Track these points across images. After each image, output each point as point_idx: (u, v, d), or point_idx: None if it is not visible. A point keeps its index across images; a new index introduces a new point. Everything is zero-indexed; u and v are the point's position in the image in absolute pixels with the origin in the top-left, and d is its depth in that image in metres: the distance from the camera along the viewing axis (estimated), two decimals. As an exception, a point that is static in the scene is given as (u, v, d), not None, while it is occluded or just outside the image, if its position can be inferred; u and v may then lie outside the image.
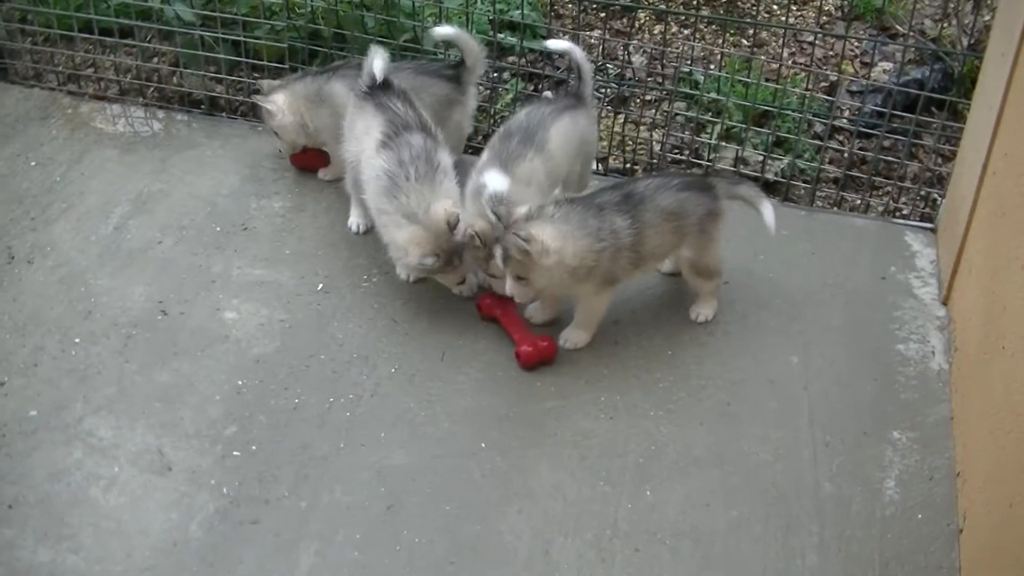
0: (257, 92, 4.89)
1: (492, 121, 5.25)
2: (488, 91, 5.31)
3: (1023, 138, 3.72)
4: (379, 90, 4.40)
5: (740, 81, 5.20)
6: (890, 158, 5.05)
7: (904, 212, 4.92)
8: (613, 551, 3.60)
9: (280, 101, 4.80)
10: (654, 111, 5.36)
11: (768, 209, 4.27)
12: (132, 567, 3.57)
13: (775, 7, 6.02)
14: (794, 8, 6.01)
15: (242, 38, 5.28)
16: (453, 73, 4.78)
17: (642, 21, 5.95)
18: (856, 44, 5.79)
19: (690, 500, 3.75)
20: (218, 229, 4.73)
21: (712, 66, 5.34)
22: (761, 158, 5.01)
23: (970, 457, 3.73)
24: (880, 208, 4.96)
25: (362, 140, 4.36)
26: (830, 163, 5.12)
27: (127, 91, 5.52)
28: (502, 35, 5.42)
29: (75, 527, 3.68)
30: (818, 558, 3.59)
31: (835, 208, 4.95)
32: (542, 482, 3.80)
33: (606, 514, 3.71)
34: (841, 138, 5.31)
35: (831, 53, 5.72)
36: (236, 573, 3.56)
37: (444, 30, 4.65)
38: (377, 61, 4.39)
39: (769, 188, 4.91)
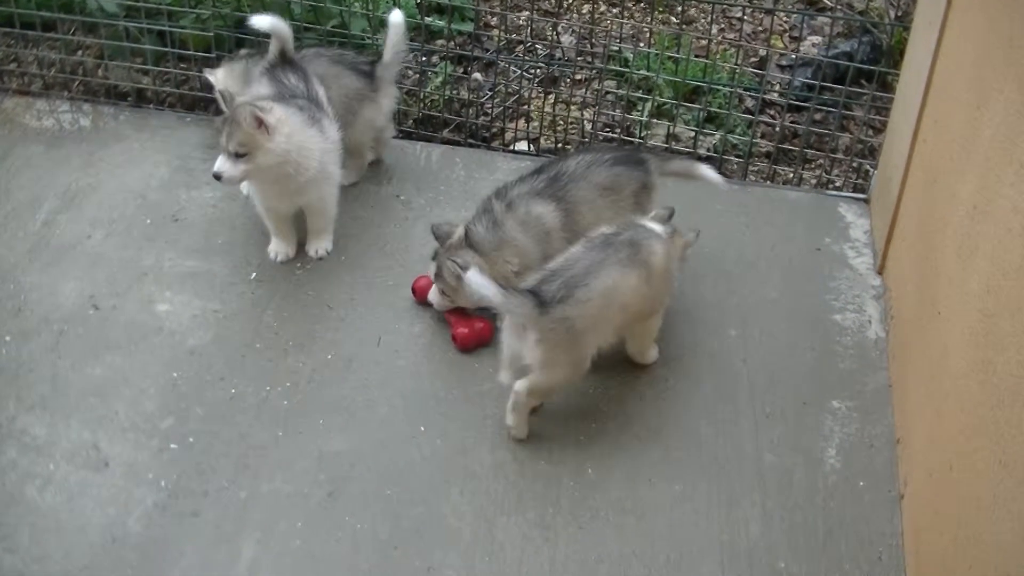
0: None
1: (421, 105, 5.23)
2: (417, 75, 5.29)
3: (952, 104, 3.75)
4: (280, 66, 4.44)
5: (670, 58, 5.20)
6: (821, 130, 5.07)
7: (837, 184, 4.94)
8: (557, 529, 3.60)
9: None
10: (584, 90, 5.35)
11: (705, 169, 4.33)
12: (71, 565, 3.52)
13: (703, -17, 6.03)
14: (722, -16, 6.02)
15: (167, 28, 5.21)
16: (368, 68, 4.71)
17: (570, 1, 5.94)
18: (785, 18, 5.80)
19: (632, 476, 3.75)
20: (148, 221, 4.67)
21: (641, 44, 5.33)
22: (693, 134, 5.02)
23: (909, 423, 3.75)
24: (813, 180, 4.99)
25: None
26: (762, 137, 5.14)
27: (52, 85, 5.43)
28: (430, 18, 5.38)
29: (11, 527, 3.61)
30: (762, 529, 3.60)
31: (768, 182, 4.97)
32: (483, 463, 3.79)
33: (548, 493, 3.70)
34: (772, 112, 5.33)
35: (760, 28, 5.74)
36: (177, 567, 3.52)
37: (397, 17, 4.64)
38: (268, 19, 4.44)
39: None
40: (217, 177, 4.12)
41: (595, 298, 3.66)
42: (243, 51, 4.89)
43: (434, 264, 4.12)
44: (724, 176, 4.72)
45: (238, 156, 4.07)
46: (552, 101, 5.26)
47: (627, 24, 5.51)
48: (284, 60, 4.47)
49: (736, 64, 5.08)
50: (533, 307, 3.60)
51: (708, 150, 5.03)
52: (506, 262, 4.06)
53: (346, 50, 4.94)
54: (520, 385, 3.77)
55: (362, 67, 4.71)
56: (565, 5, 5.90)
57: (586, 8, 5.81)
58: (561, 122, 5.22)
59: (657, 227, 3.93)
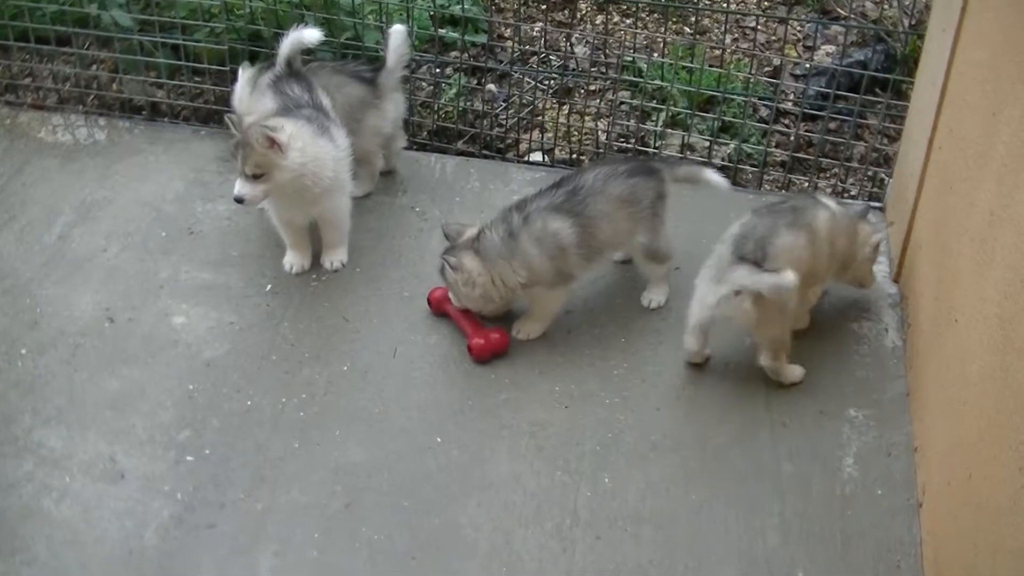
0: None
1: (436, 117, 5.23)
2: (431, 86, 5.30)
3: (967, 111, 3.74)
4: (284, 78, 4.51)
5: (684, 67, 5.20)
6: (836, 139, 5.05)
7: (852, 193, 4.94)
8: (574, 540, 3.58)
9: None
10: (599, 101, 5.35)
11: (710, 173, 4.36)
12: (88, 577, 3.53)
13: (716, -7, 6.04)
14: (735, -6, 6.03)
15: (181, 41, 5.23)
16: (370, 75, 4.72)
17: (583, 12, 5.95)
18: (799, 28, 5.80)
19: (650, 485, 3.74)
20: (164, 234, 4.68)
21: (655, 54, 5.33)
22: (707, 144, 5.02)
23: (927, 431, 3.73)
24: (828, 189, 4.97)
25: None
26: (777, 146, 5.12)
27: (67, 99, 5.46)
28: (443, 30, 5.39)
29: (28, 539, 3.61)
30: (780, 538, 3.58)
31: (783, 191, 4.95)
32: (500, 474, 3.77)
33: (566, 503, 3.68)
34: (787, 121, 5.32)
35: (774, 37, 5.73)
36: (194, 579, 3.53)
37: (399, 27, 4.69)
38: (296, 38, 4.54)
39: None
40: (239, 200, 4.15)
41: (782, 253, 3.83)
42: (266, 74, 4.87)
43: (438, 265, 4.17)
44: (739, 185, 4.73)
45: (255, 177, 4.10)
46: (566, 112, 5.26)
47: (641, 34, 5.51)
48: (290, 72, 4.52)
49: (750, 73, 5.07)
50: (750, 271, 3.81)
51: (723, 159, 5.02)
52: (515, 272, 4.06)
53: (350, 61, 4.95)
54: (764, 360, 3.99)
55: (364, 75, 4.71)
56: (579, 16, 5.90)
57: (600, 19, 5.82)
58: (575, 133, 5.22)
59: (828, 200, 4.12)
